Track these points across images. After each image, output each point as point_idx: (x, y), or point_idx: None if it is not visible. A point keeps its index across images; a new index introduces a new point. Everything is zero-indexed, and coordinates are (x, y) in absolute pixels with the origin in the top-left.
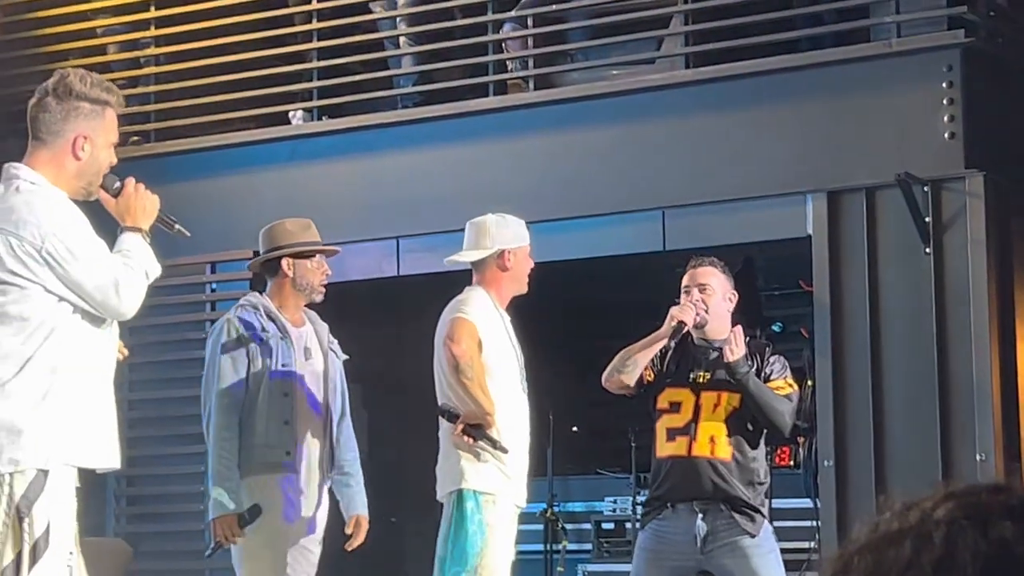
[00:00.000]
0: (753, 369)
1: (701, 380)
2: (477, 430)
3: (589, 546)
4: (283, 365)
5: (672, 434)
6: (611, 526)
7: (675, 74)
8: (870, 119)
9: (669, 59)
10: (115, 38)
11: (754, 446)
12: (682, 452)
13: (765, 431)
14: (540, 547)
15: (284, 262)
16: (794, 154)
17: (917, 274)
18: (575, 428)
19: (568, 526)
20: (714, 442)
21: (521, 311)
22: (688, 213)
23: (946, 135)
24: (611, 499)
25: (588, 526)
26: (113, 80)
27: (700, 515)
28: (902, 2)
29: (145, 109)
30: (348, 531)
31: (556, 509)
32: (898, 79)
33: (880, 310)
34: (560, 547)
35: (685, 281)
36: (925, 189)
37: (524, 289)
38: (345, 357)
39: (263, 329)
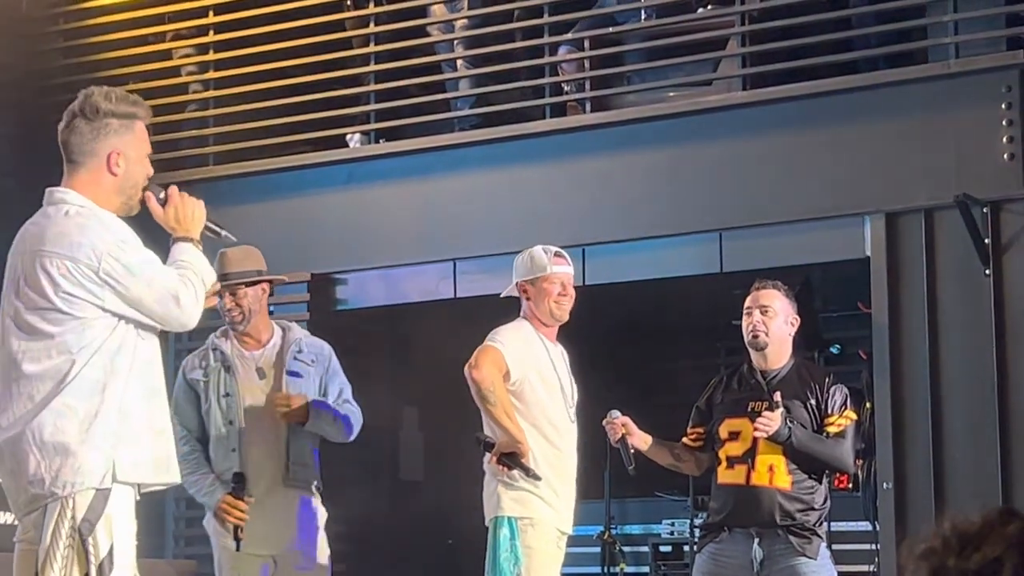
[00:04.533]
0: (811, 402)
1: (758, 410)
2: (511, 458)
3: (647, 569)
4: (225, 395)
5: (731, 462)
6: (668, 549)
7: (732, 96)
8: (928, 140)
9: (726, 80)
10: (175, 62)
11: (815, 473)
12: (741, 480)
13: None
14: (598, 570)
15: None
16: (852, 175)
17: (976, 296)
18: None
19: (626, 549)
20: (773, 471)
21: (578, 333)
22: (746, 235)
23: (1005, 156)
24: (669, 522)
25: (646, 549)
26: (173, 104)
27: (757, 540)
28: (961, 23)
29: (204, 133)
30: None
31: (613, 531)
32: (957, 100)
33: (939, 332)
34: (618, 570)
35: (747, 302)
36: (984, 210)
37: (553, 317)
38: (310, 362)
39: (205, 366)
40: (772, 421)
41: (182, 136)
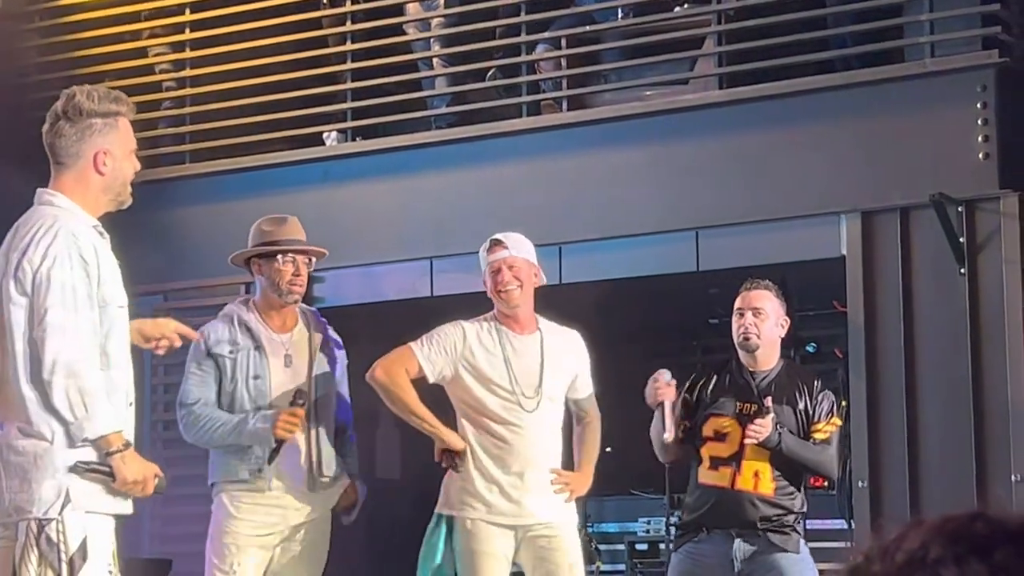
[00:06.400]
0: (800, 406)
1: (747, 412)
2: (445, 453)
3: (623, 567)
4: (255, 377)
5: (715, 463)
6: (645, 547)
7: (708, 94)
8: (904, 139)
9: (702, 79)
10: (151, 59)
11: (796, 481)
12: (725, 483)
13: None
14: None
15: (252, 264)
16: (828, 174)
17: (951, 295)
18: (608, 448)
19: (601, 547)
20: (758, 477)
21: None
22: (722, 233)
23: (980, 155)
24: (645, 520)
25: (622, 547)
26: (149, 101)
27: (737, 539)
28: (936, 22)
29: (180, 130)
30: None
31: (590, 530)
32: (932, 99)
33: (914, 331)
34: (594, 568)
35: (738, 303)
36: (960, 209)
37: (501, 306)
38: (346, 362)
39: (233, 341)
40: (764, 428)
41: (158, 134)
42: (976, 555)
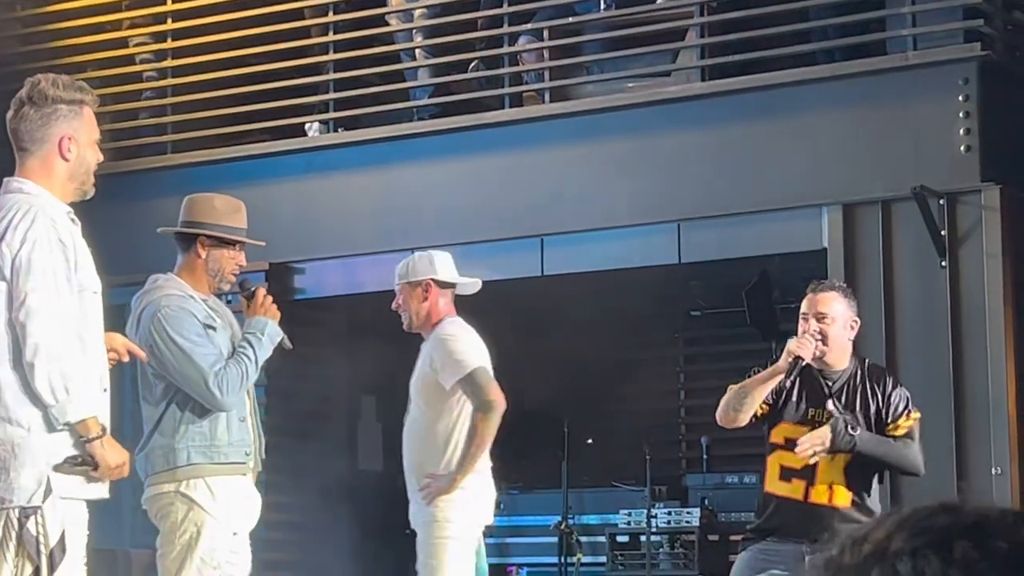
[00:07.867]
0: (872, 409)
1: (817, 418)
2: None
3: (603, 559)
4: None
5: (787, 474)
6: (625, 539)
7: (691, 87)
8: (886, 132)
9: (685, 72)
10: (133, 50)
11: (871, 488)
12: (798, 496)
13: (880, 473)
14: (554, 560)
15: (199, 242)
16: (810, 167)
17: (933, 287)
18: (590, 440)
19: (583, 539)
20: (832, 489)
21: (533, 324)
22: (703, 226)
23: (962, 148)
24: (626, 512)
25: (603, 539)
26: (132, 92)
27: (809, 549)
28: (919, 15)
29: (162, 121)
30: None
31: (571, 522)
32: (914, 92)
33: (895, 323)
34: (575, 560)
35: (803, 307)
36: (941, 202)
37: None
38: None
39: (209, 316)
40: (816, 441)
41: (140, 124)
42: (933, 549)
